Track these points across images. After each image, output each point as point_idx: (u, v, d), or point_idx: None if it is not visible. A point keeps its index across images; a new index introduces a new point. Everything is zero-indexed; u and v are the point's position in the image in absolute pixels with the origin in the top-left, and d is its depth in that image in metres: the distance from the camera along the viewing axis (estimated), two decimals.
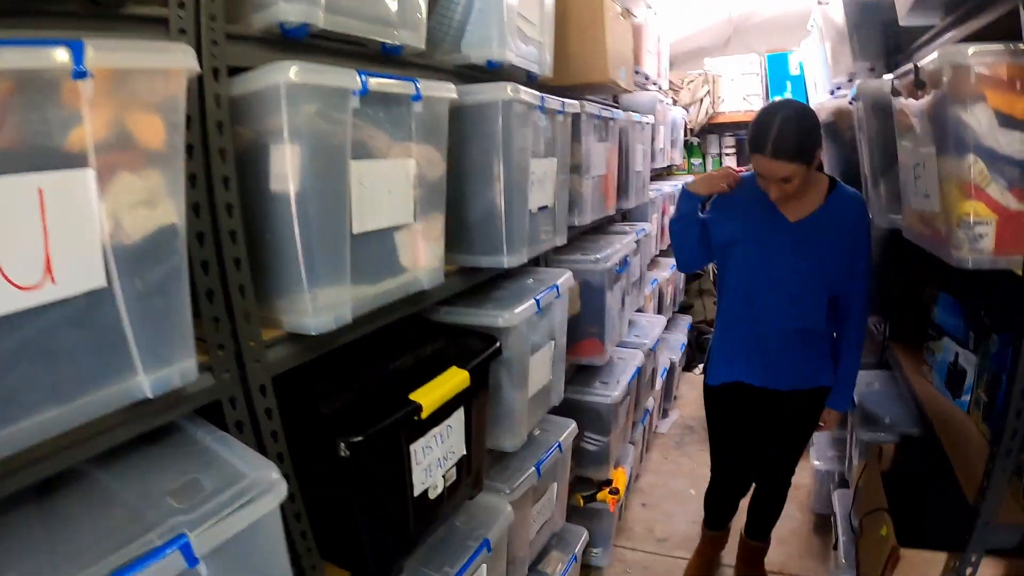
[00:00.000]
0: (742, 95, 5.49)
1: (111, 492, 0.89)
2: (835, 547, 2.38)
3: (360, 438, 1.13)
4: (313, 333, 1.13)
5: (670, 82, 4.99)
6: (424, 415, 1.26)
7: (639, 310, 3.48)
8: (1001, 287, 1.83)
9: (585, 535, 2.42)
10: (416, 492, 1.35)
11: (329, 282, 1.13)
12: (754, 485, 2.38)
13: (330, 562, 1.34)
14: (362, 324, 1.31)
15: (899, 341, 2.57)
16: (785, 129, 1.78)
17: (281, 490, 0.90)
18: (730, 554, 2.58)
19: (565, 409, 2.29)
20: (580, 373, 2.66)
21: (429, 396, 1.29)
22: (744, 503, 2.44)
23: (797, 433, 2.20)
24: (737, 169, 1.98)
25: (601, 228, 3.09)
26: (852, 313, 2.02)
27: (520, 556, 2.00)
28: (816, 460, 2.92)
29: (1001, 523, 1.41)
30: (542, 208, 1.91)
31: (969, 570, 1.45)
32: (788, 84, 5.29)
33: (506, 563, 1.82)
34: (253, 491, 0.87)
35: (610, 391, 2.53)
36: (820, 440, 3.05)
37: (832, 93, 3.21)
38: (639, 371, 2.81)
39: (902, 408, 2.27)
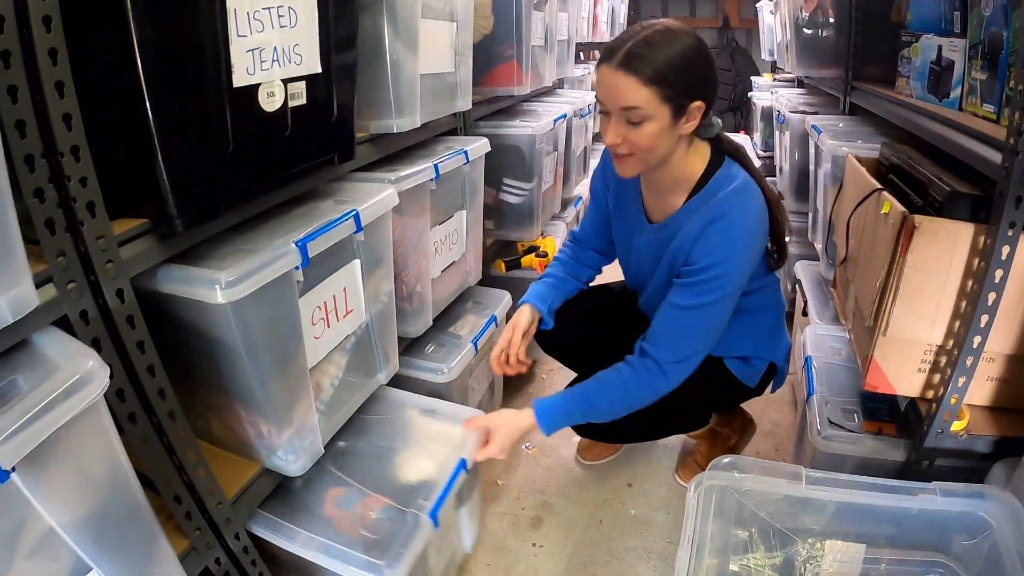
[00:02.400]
0: None
1: None
2: (804, 312, 2.12)
3: None
4: None
5: None
6: None
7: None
8: None
9: (508, 297, 2.06)
10: (237, 81, 0.93)
11: None
12: None
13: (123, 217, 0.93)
14: None
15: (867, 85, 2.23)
16: (653, 40, 1.20)
17: (102, 380, 0.73)
18: None
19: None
20: (497, 114, 2.25)
21: None
22: None
23: None
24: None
25: None
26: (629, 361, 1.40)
27: (419, 292, 1.64)
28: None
29: None
30: None
31: (1011, 231, 1.12)
32: None
33: (395, 282, 1.45)
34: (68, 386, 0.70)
35: (533, 124, 2.12)
36: None
37: None
38: (566, 118, 2.40)
39: (877, 136, 1.97)
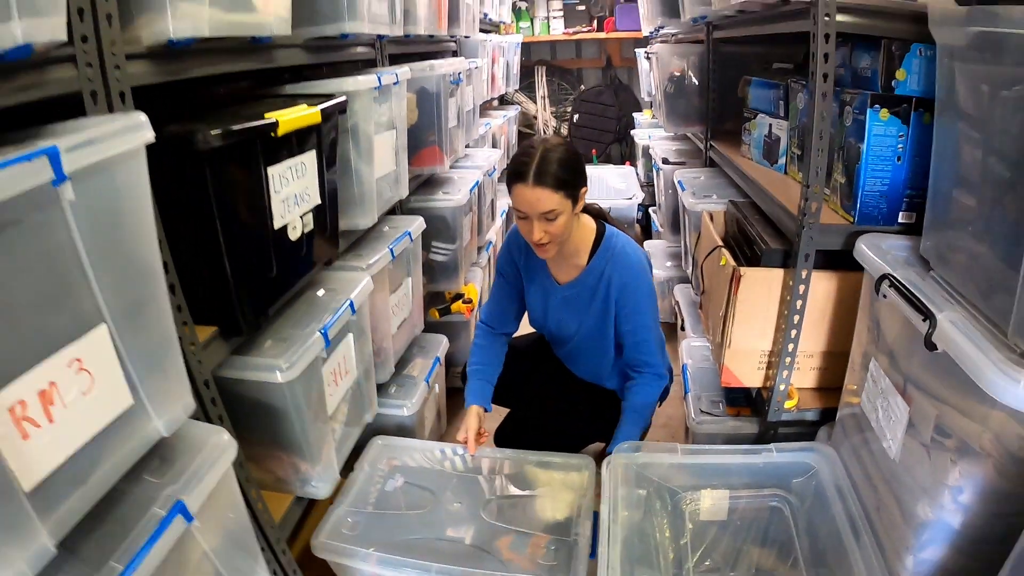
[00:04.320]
0: None
1: None
2: (682, 328, 2.64)
3: (219, 131, 1.11)
4: (173, 37, 1.11)
5: None
6: (279, 132, 1.26)
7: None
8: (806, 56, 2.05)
9: (445, 341, 2.53)
10: (276, 224, 1.35)
11: None
12: None
13: (197, 324, 1.30)
14: (218, 56, 1.33)
15: (721, 142, 2.80)
16: (549, 157, 1.65)
17: (147, 135, 0.90)
18: None
19: None
20: (425, 186, 2.70)
21: (283, 116, 1.28)
22: None
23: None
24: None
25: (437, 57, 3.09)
26: (635, 378, 1.92)
27: (385, 347, 2.05)
28: (655, 270, 3.18)
29: (825, 224, 1.64)
30: None
31: (804, 272, 1.68)
32: None
33: (371, 348, 1.87)
34: (119, 131, 0.86)
35: (453, 196, 2.59)
36: (657, 252, 3.32)
37: None
38: (479, 184, 2.88)
39: (728, 188, 2.54)
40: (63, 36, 0.87)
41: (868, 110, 1.55)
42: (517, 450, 1.90)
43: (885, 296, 1.39)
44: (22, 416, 0.76)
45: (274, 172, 1.31)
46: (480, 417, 1.93)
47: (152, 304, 0.99)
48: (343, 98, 1.58)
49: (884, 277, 1.39)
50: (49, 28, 0.84)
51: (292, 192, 1.39)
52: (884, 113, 1.56)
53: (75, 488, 0.85)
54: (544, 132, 6.14)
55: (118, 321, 0.90)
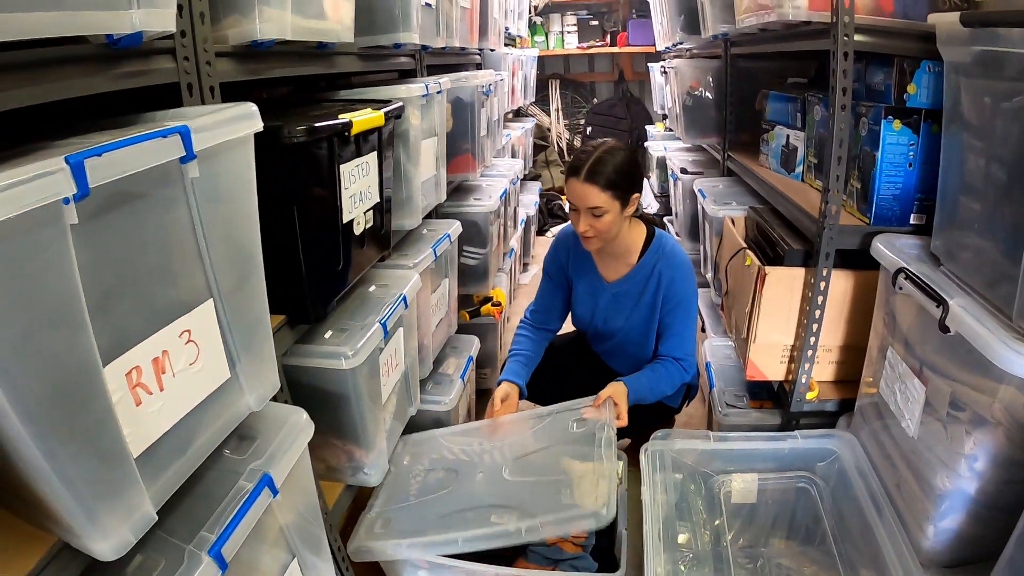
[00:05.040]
0: None
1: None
2: (703, 330, 2.76)
3: (304, 127, 1.23)
4: (259, 39, 1.22)
5: None
6: (353, 132, 1.38)
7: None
8: (824, 72, 2.17)
9: (476, 341, 2.64)
10: (345, 219, 1.47)
11: (275, 3, 1.23)
12: None
13: None
14: (290, 59, 1.44)
15: (738, 152, 2.93)
16: (604, 158, 1.80)
17: (257, 123, 0.99)
18: None
19: None
20: (456, 192, 2.83)
21: (355, 117, 1.40)
22: None
23: None
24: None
25: (465, 69, 3.22)
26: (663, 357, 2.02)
27: (425, 344, 2.17)
28: None
29: (843, 225, 1.77)
30: None
31: (825, 270, 1.79)
32: None
33: (416, 343, 1.98)
34: (236, 118, 0.95)
35: (485, 202, 2.72)
36: None
37: None
38: (506, 193, 3.01)
39: (747, 195, 2.65)
40: (172, 27, 0.94)
41: (882, 121, 1.67)
42: (541, 407, 1.99)
43: (901, 288, 1.51)
44: (137, 382, 0.82)
45: (345, 169, 1.43)
46: (508, 395, 2.01)
47: (250, 284, 1.07)
48: (400, 104, 1.71)
49: (900, 271, 1.52)
50: (162, 19, 0.90)
51: (358, 189, 1.51)
52: (897, 124, 1.68)
53: (177, 457, 0.90)
54: (557, 145, 6.28)
55: (224, 297, 0.98)
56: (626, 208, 1.87)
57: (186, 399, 0.92)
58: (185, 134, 0.82)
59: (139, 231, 0.81)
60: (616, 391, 1.88)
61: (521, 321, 2.26)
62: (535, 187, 5.04)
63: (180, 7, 1.04)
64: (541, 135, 6.29)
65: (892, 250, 1.61)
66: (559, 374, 2.24)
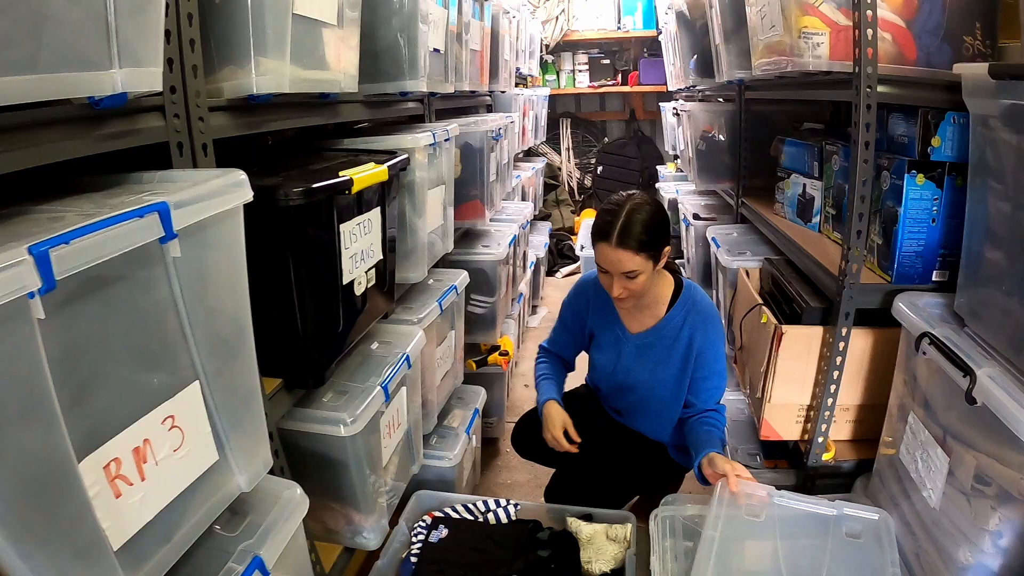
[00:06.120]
0: (595, 14, 5.75)
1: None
2: None
3: (301, 189, 1.18)
4: (256, 92, 1.17)
5: (527, 0, 5.15)
6: (354, 190, 1.33)
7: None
8: (839, 117, 2.13)
9: (483, 393, 2.58)
10: (345, 280, 1.42)
11: (273, 54, 1.19)
12: None
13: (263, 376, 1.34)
14: (290, 111, 1.39)
15: (752, 198, 2.87)
16: (633, 218, 1.68)
17: (247, 193, 0.94)
18: None
19: None
20: (464, 239, 2.78)
21: (357, 174, 1.35)
22: None
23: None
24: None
25: (475, 112, 3.21)
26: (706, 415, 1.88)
27: (430, 399, 2.10)
28: None
29: (864, 284, 1.71)
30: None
31: (844, 330, 1.73)
32: (639, 5, 5.59)
33: (420, 400, 1.92)
34: (222, 190, 0.90)
35: (493, 250, 2.67)
36: None
37: None
38: (516, 238, 2.96)
39: (761, 244, 2.59)
40: (159, 86, 0.89)
41: (905, 176, 1.62)
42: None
43: (925, 353, 1.44)
44: (116, 474, 0.78)
45: (345, 229, 1.38)
46: (561, 411, 1.93)
47: (240, 360, 1.02)
48: (405, 156, 1.67)
49: (924, 335, 1.45)
50: (147, 78, 0.86)
51: (359, 248, 1.46)
52: (920, 178, 1.63)
53: (160, 545, 0.86)
54: (568, 184, 6.26)
55: (210, 377, 0.93)
56: (658, 263, 1.78)
57: (170, 486, 0.88)
58: (164, 212, 0.77)
59: (116, 316, 0.77)
60: (714, 458, 1.70)
61: (539, 349, 2.18)
62: (545, 227, 5.01)
63: (170, 61, 1.00)
64: (552, 174, 6.27)
65: (915, 311, 1.55)
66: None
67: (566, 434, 1.90)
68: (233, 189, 0.92)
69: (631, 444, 2.04)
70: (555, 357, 2.14)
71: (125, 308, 0.77)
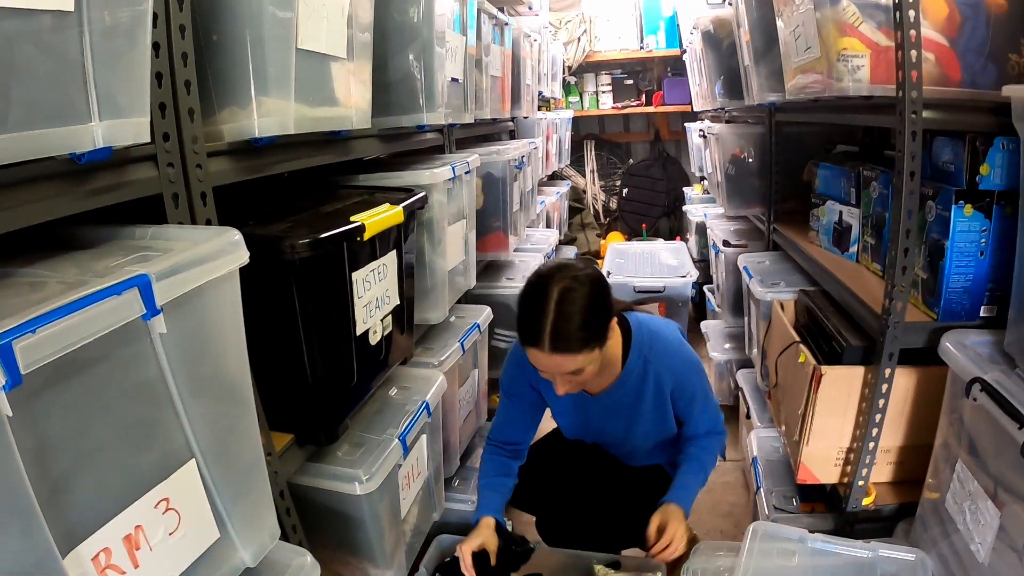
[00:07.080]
0: (617, 34, 5.70)
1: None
2: (748, 416, 2.57)
3: (308, 240, 1.12)
4: (258, 135, 1.11)
5: (549, 23, 5.11)
6: (366, 236, 1.27)
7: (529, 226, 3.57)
8: (873, 138, 2.03)
9: None
10: (358, 331, 1.35)
11: (276, 93, 1.12)
12: None
13: (272, 430, 1.27)
14: (297, 150, 1.33)
15: (784, 224, 2.77)
16: (565, 313, 1.37)
17: (242, 256, 0.87)
18: None
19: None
20: (487, 271, 2.71)
21: (370, 219, 1.29)
22: None
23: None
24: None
25: (497, 138, 3.16)
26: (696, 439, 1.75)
27: (452, 442, 2.03)
28: (713, 352, 3.12)
29: (908, 322, 1.60)
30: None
31: (888, 371, 1.62)
32: (662, 24, 5.52)
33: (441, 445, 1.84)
34: (214, 254, 0.83)
35: (518, 283, 2.58)
36: (714, 333, 3.26)
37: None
38: None
39: (795, 273, 2.47)
40: (146, 137, 0.83)
41: (952, 207, 1.52)
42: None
43: (975, 399, 1.34)
44: (106, 565, 0.72)
45: (358, 277, 1.32)
46: (488, 532, 1.66)
47: (241, 429, 0.95)
48: (423, 193, 1.61)
49: (975, 380, 1.34)
50: (132, 130, 0.80)
51: (374, 296, 1.40)
52: (968, 209, 1.53)
53: None
54: (593, 207, 6.18)
55: (207, 453, 0.86)
56: (607, 342, 1.49)
57: (167, 571, 0.82)
58: (145, 287, 0.70)
59: (97, 400, 0.70)
60: (668, 515, 1.59)
61: (486, 442, 1.86)
62: (570, 252, 4.93)
63: (163, 106, 0.95)
64: (576, 197, 6.20)
65: (963, 351, 1.44)
66: (565, 478, 1.93)
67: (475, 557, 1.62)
68: (227, 252, 0.84)
69: (627, 475, 1.89)
70: (502, 450, 1.82)
71: (107, 391, 0.71)
